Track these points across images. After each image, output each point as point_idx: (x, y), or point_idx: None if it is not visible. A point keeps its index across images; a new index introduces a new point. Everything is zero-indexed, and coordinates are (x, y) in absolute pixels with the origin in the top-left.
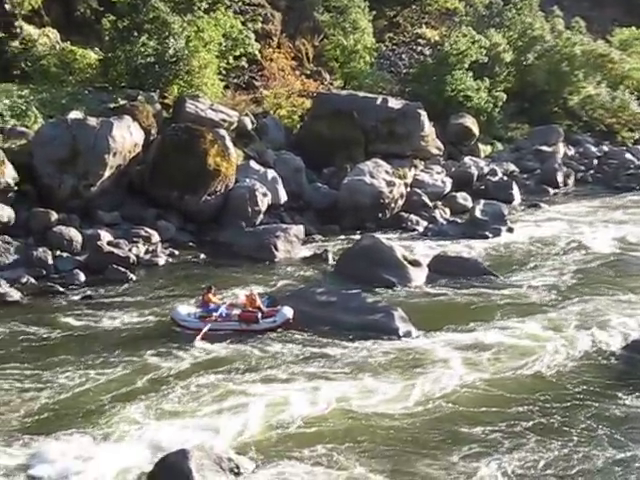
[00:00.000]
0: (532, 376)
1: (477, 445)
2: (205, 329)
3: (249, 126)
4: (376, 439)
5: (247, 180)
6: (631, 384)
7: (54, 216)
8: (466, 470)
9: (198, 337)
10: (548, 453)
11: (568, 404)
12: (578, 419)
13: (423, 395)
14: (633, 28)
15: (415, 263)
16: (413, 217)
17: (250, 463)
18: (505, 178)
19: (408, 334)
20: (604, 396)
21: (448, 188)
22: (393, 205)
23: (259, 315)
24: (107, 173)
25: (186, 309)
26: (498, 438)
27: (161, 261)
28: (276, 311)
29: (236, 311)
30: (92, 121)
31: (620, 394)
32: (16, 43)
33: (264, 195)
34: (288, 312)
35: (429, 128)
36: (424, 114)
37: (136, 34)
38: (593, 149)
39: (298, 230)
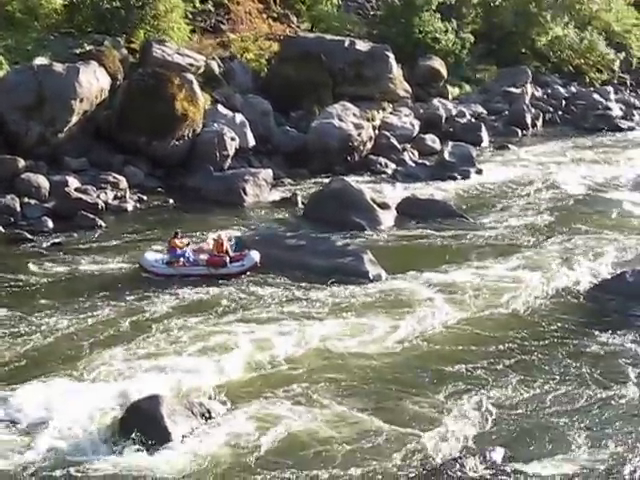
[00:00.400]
0: (505, 315)
1: (457, 382)
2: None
3: (216, 70)
4: (355, 379)
5: (215, 124)
6: (602, 322)
7: (21, 163)
8: (447, 406)
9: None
10: (528, 390)
11: (544, 342)
12: (555, 356)
13: (398, 335)
14: None
15: (384, 206)
16: (382, 160)
17: (222, 407)
18: (473, 120)
19: (378, 277)
20: (578, 333)
21: (416, 130)
22: (362, 148)
23: (227, 259)
24: (74, 119)
25: (154, 255)
26: (477, 375)
27: (129, 207)
28: (244, 255)
29: (203, 256)
30: (58, 67)
31: (593, 332)
32: None
33: (232, 139)
34: (256, 256)
35: (397, 70)
36: (392, 56)
37: None
38: (561, 90)
39: (267, 174)
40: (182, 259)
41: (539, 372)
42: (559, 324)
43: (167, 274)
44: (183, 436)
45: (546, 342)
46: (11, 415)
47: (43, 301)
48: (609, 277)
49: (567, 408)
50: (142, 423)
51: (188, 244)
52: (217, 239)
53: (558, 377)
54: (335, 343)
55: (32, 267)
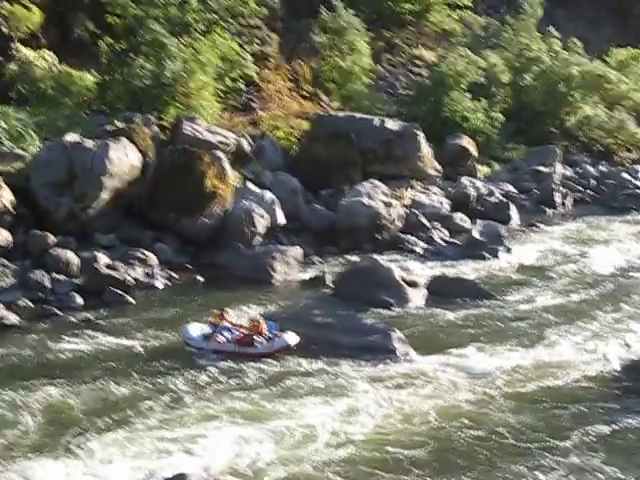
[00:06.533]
0: (532, 400)
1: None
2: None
3: (246, 148)
4: (385, 466)
5: (244, 202)
6: (634, 405)
7: (51, 239)
8: None
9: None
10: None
11: (572, 430)
12: (586, 445)
13: (423, 418)
14: (629, 48)
15: (413, 284)
16: (411, 238)
17: None
18: (503, 199)
19: (406, 355)
20: (608, 417)
21: (446, 209)
22: (391, 226)
23: (255, 338)
24: (104, 195)
25: (197, 326)
26: (503, 461)
27: (158, 284)
28: (277, 336)
29: (238, 334)
30: (89, 143)
31: (623, 416)
32: (13, 66)
33: (261, 217)
34: (290, 338)
35: (426, 149)
36: (421, 135)
37: (133, 56)
38: (590, 169)
39: (295, 251)
40: (219, 336)
41: (564, 460)
42: (587, 410)
43: (199, 347)
44: None
45: (573, 430)
46: None
47: (70, 377)
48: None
49: None
50: None
51: (232, 322)
52: (253, 319)
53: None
54: (358, 428)
55: (61, 343)
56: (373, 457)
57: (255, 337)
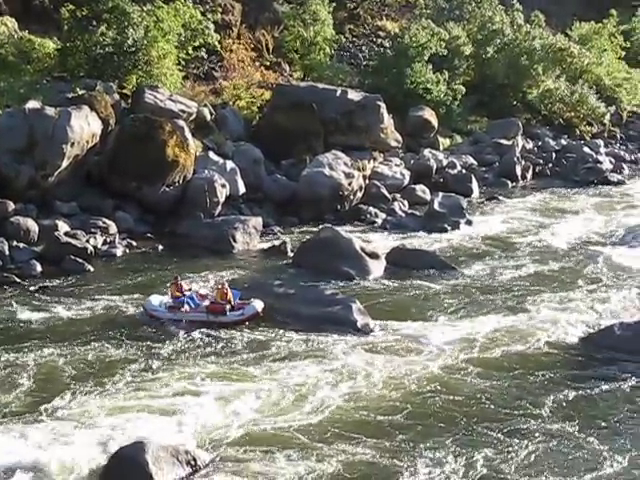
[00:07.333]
0: (496, 367)
1: (434, 433)
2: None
3: (208, 117)
4: (342, 430)
5: (206, 171)
6: (590, 375)
7: (11, 206)
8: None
9: None
10: (508, 446)
11: (528, 394)
12: (540, 413)
13: (393, 385)
14: (592, 22)
15: (373, 255)
16: (372, 209)
17: (208, 455)
18: (464, 171)
19: (365, 326)
20: (565, 386)
21: (407, 181)
22: (352, 197)
23: (227, 307)
24: (65, 163)
25: (158, 299)
26: (457, 430)
27: (119, 252)
28: (246, 304)
29: (205, 302)
30: (50, 111)
31: (581, 384)
32: None
33: (222, 186)
34: (258, 305)
35: (388, 120)
36: (383, 106)
37: (95, 24)
38: (552, 143)
39: (256, 222)
40: (186, 305)
41: (520, 427)
42: (546, 377)
43: (168, 318)
44: None
45: (530, 396)
46: None
47: (28, 344)
48: (598, 330)
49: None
50: (126, 471)
51: (190, 289)
52: (220, 287)
53: (542, 434)
54: (321, 394)
55: (19, 310)
56: (351, 421)
57: (227, 306)
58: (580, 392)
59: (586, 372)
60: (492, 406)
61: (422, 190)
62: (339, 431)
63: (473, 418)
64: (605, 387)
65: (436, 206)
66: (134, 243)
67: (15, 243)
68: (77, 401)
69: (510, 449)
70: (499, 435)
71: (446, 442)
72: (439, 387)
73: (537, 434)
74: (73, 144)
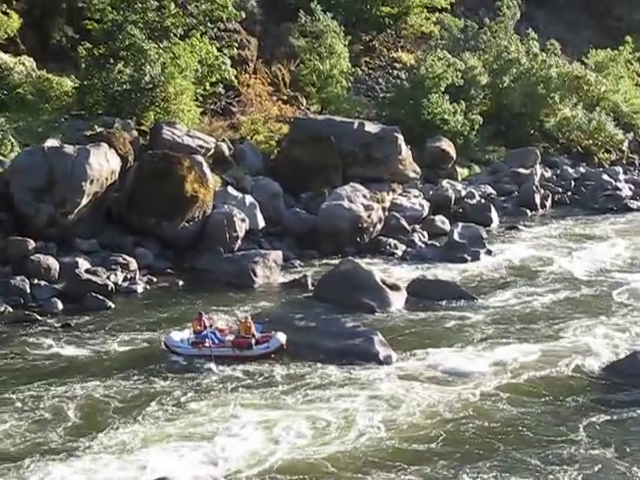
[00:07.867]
0: (514, 400)
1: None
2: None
3: (226, 152)
4: (380, 459)
5: (225, 206)
6: (614, 403)
7: (31, 244)
8: None
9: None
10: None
11: (552, 423)
12: (578, 438)
13: (405, 419)
14: (608, 50)
15: (394, 287)
16: (391, 241)
17: None
18: (483, 201)
19: (388, 358)
20: (589, 414)
21: (426, 211)
22: (371, 229)
23: (252, 341)
24: (84, 201)
25: (179, 335)
26: (482, 456)
27: (139, 288)
28: (269, 337)
29: (230, 337)
30: (69, 149)
31: (604, 413)
32: None
33: (242, 221)
34: (281, 338)
35: (406, 152)
36: (401, 138)
37: (112, 61)
38: (570, 171)
39: (277, 255)
40: (207, 340)
41: (557, 452)
42: (577, 403)
43: (192, 354)
44: None
45: (563, 421)
46: None
47: (50, 381)
48: (620, 358)
49: None
50: None
51: (211, 325)
52: (244, 321)
53: (580, 459)
54: (355, 421)
55: (41, 348)
56: (389, 449)
57: (252, 340)
58: (610, 417)
59: (614, 397)
60: (527, 432)
61: (441, 221)
62: (378, 460)
63: (510, 444)
64: (633, 414)
65: (456, 236)
66: (154, 279)
67: (36, 281)
68: (110, 435)
69: (550, 476)
70: (537, 461)
71: (485, 468)
72: (473, 414)
73: (575, 459)
74: (92, 181)
